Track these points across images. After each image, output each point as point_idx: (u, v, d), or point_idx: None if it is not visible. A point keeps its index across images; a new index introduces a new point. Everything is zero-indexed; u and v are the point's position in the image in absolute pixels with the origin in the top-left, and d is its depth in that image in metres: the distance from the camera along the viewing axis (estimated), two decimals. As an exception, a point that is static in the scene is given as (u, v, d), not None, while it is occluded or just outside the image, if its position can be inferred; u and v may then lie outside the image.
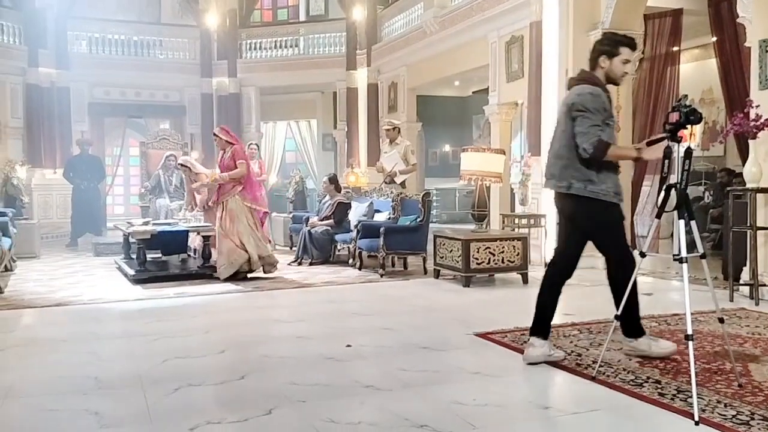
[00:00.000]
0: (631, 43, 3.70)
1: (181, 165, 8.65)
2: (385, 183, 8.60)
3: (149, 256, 7.46)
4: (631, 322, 3.77)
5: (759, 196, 5.47)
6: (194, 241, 8.27)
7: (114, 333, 4.79)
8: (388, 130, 8.67)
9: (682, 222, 3.20)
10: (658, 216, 3.51)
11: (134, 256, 7.49)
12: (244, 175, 7.07)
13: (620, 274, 3.70)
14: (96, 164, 11.28)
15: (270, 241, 7.87)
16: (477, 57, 10.77)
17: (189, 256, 8.19)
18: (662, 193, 3.34)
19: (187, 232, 7.97)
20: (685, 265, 3.19)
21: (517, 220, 8.11)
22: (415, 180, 13.38)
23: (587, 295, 6.22)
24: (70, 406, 3.15)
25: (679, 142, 3.27)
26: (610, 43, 3.69)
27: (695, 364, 3.06)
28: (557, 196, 3.81)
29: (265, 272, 7.18)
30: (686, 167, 3.22)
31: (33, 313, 5.47)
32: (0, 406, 3.15)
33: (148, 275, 6.94)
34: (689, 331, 3.06)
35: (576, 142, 3.57)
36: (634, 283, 3.59)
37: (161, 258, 8.03)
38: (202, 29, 15.04)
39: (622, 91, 7.78)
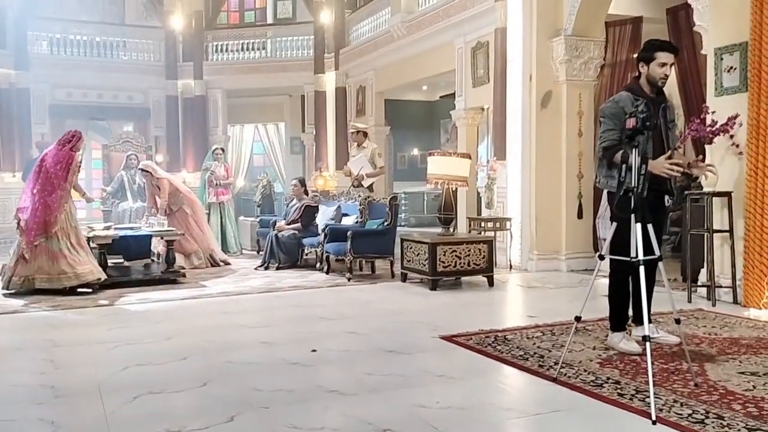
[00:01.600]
0: (665, 47, 3.82)
1: (142, 170, 8.53)
2: (353, 186, 8.60)
3: (111, 261, 7.32)
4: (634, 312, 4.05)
5: (715, 199, 5.61)
6: (158, 246, 8.16)
7: (72, 340, 4.68)
8: (353, 133, 8.69)
9: (639, 225, 3.27)
10: (613, 219, 3.58)
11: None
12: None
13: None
14: None
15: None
16: (444, 62, 10.85)
17: (152, 261, 8.07)
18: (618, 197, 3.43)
19: (151, 236, 7.86)
20: (641, 268, 3.26)
21: (483, 224, 8.19)
22: (383, 184, 13.41)
23: (550, 297, 6.32)
24: (25, 415, 3.07)
25: (636, 147, 3.34)
26: (648, 49, 3.85)
27: (653, 364, 3.12)
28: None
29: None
30: (642, 172, 3.29)
31: (-11, 320, 5.32)
32: (-49, 417, 3.06)
33: (109, 281, 6.80)
34: (646, 332, 3.12)
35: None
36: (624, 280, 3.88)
37: (123, 263, 7.89)
38: (167, 31, 14.85)
39: (584, 97, 7.96)
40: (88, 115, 15.26)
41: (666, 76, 3.79)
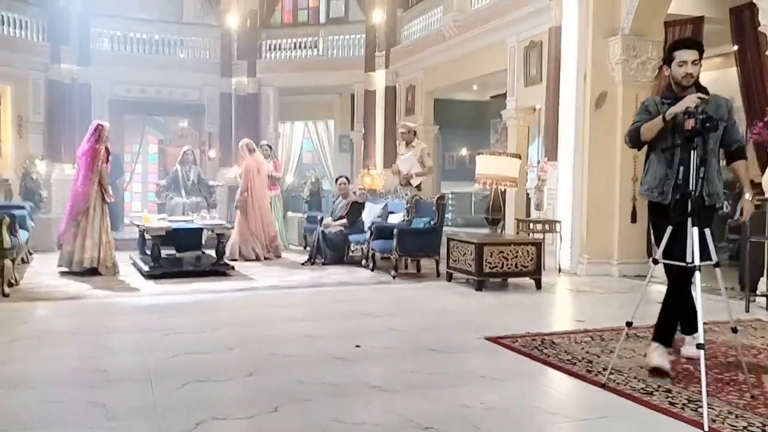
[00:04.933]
0: (680, 45, 3.68)
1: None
2: (401, 185, 8.59)
3: (164, 252, 7.50)
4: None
5: (778, 206, 5.39)
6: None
7: (125, 327, 4.82)
8: (403, 132, 8.67)
9: (695, 229, 3.16)
10: (671, 222, 3.47)
11: (149, 252, 7.55)
12: None
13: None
14: (115, 161, 11.37)
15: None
16: (495, 61, 10.73)
17: (203, 253, 8.23)
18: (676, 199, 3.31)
19: (202, 229, 8.02)
20: (697, 273, 3.15)
21: (532, 225, 8.06)
22: (431, 183, 13.34)
23: (600, 301, 6.17)
24: (78, 398, 3.17)
25: (694, 149, 3.22)
26: (667, 51, 3.76)
27: (707, 374, 3.01)
28: None
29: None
30: (701, 175, 3.18)
31: (47, 305, 5.53)
32: (9, 396, 3.19)
33: (161, 271, 6.98)
34: (701, 340, 3.02)
35: None
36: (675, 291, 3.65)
37: (176, 255, 8.08)
38: (223, 29, 15.12)
39: (641, 98, 7.64)
40: (146, 111, 15.69)
41: (689, 75, 3.55)
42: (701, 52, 3.60)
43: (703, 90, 3.63)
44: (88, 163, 7.07)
